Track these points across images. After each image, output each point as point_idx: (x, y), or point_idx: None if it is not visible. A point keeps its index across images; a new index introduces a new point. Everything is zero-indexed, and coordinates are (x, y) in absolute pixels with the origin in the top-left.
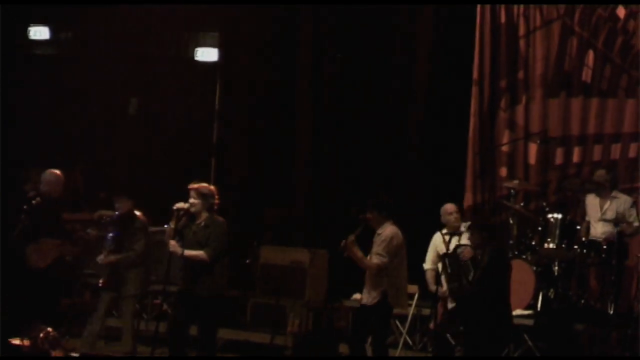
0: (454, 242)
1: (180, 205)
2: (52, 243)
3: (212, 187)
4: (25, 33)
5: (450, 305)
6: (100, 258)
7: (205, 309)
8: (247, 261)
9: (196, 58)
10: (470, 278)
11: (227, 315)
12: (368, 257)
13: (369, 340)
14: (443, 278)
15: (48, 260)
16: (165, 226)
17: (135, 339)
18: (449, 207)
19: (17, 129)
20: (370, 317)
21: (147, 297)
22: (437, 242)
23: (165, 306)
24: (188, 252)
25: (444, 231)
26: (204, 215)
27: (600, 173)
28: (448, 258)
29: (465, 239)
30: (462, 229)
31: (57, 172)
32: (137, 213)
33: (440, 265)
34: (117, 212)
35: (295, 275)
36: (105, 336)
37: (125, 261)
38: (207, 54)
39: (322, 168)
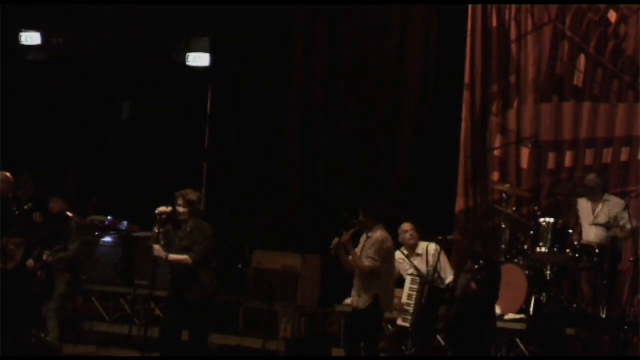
0: (418, 262)
1: (162, 209)
2: (15, 242)
3: (197, 193)
4: (17, 38)
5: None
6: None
7: (194, 313)
8: (240, 266)
9: (188, 63)
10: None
11: (219, 320)
12: None
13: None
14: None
15: (17, 261)
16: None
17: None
18: (405, 226)
19: (9, 134)
20: (362, 321)
21: (139, 302)
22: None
23: (157, 311)
24: (172, 257)
25: (404, 250)
26: (190, 221)
27: (591, 177)
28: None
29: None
30: (420, 251)
31: (5, 173)
32: (70, 214)
33: (409, 286)
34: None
35: (288, 281)
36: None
37: (63, 260)
38: (198, 59)
39: (314, 173)
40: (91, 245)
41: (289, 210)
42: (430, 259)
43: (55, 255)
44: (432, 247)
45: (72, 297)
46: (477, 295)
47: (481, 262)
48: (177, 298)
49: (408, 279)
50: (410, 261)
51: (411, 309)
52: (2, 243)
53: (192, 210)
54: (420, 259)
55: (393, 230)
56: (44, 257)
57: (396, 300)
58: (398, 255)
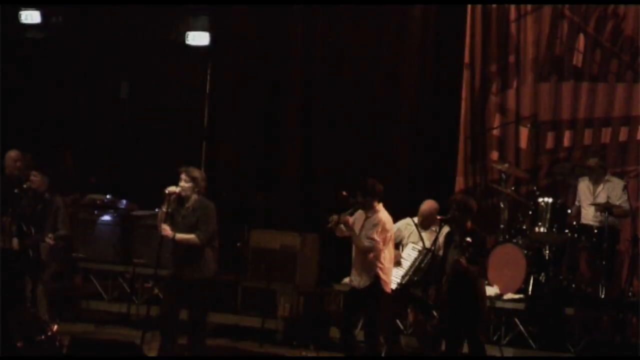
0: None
1: (171, 189)
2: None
3: (201, 171)
4: (16, 17)
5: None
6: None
7: (195, 293)
8: (238, 245)
9: (187, 42)
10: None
11: (217, 299)
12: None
13: (360, 324)
14: (408, 264)
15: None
16: (157, 210)
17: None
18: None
19: (9, 112)
20: (362, 301)
21: (138, 281)
22: (402, 225)
23: (156, 290)
24: (180, 236)
25: (415, 219)
26: (193, 198)
27: (594, 161)
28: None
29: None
30: (433, 228)
31: (11, 151)
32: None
33: (411, 253)
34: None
35: (286, 259)
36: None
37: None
38: (198, 38)
39: (313, 152)
40: (90, 224)
41: (288, 190)
42: (440, 239)
43: (58, 237)
44: (446, 228)
45: (64, 275)
46: (466, 271)
47: (470, 238)
48: (178, 277)
49: (409, 245)
50: (418, 230)
51: (406, 269)
52: (2, 221)
53: (196, 186)
54: (430, 234)
55: (394, 209)
56: (47, 240)
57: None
58: (407, 221)
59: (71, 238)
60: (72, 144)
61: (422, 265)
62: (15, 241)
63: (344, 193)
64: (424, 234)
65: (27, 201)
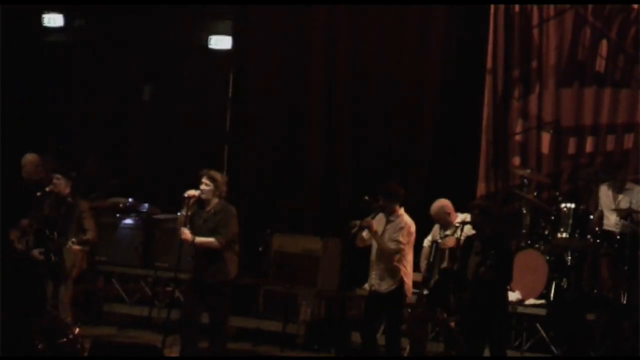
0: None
1: (191, 192)
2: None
3: (223, 174)
4: (39, 20)
5: (425, 291)
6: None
7: (215, 296)
8: (260, 249)
9: (210, 46)
10: (444, 265)
11: (239, 303)
12: None
13: (381, 328)
14: (424, 264)
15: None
16: (179, 213)
17: (72, 316)
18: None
19: (31, 116)
20: (384, 305)
21: (159, 284)
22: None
23: (177, 293)
24: (200, 240)
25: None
26: (214, 202)
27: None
28: (435, 245)
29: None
30: (456, 223)
31: (31, 155)
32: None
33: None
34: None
35: (308, 264)
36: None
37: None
38: (220, 42)
39: (335, 156)
40: (112, 227)
41: (310, 194)
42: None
43: (82, 242)
44: (468, 227)
45: (86, 278)
46: (488, 278)
47: (491, 245)
48: (198, 281)
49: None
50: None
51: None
52: (22, 225)
53: (216, 190)
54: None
55: (416, 214)
56: (70, 244)
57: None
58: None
59: (96, 242)
60: (95, 147)
61: (431, 259)
62: (36, 252)
63: (366, 197)
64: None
65: (49, 205)
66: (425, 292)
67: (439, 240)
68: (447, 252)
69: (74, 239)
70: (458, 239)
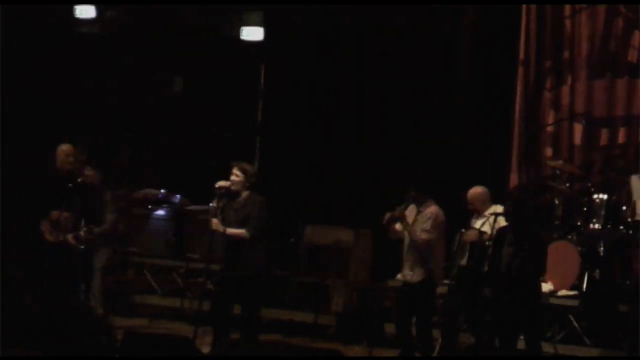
0: (478, 224)
1: (222, 183)
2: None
3: (254, 166)
4: (71, 11)
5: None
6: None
7: (246, 287)
8: (292, 241)
9: (241, 37)
10: (462, 262)
11: (271, 294)
12: None
13: (414, 319)
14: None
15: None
16: (210, 204)
17: (104, 307)
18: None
19: (63, 107)
20: (415, 295)
21: (191, 275)
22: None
23: (208, 285)
24: (230, 231)
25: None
26: (245, 193)
27: None
28: (459, 234)
29: (487, 225)
30: (487, 213)
31: (65, 145)
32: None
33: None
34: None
35: (339, 255)
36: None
37: (99, 235)
38: (252, 33)
39: (367, 148)
40: (144, 219)
41: (342, 185)
42: (490, 226)
43: (91, 231)
44: (499, 223)
45: (113, 269)
46: (522, 270)
47: (524, 236)
48: (229, 272)
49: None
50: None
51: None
52: (53, 216)
53: (247, 181)
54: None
55: (447, 205)
56: (81, 234)
57: None
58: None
59: (118, 233)
60: (127, 139)
61: (454, 248)
62: (70, 236)
63: (397, 188)
64: (477, 221)
65: (80, 196)
66: (448, 282)
67: (463, 230)
68: (467, 247)
69: (85, 228)
70: (480, 233)
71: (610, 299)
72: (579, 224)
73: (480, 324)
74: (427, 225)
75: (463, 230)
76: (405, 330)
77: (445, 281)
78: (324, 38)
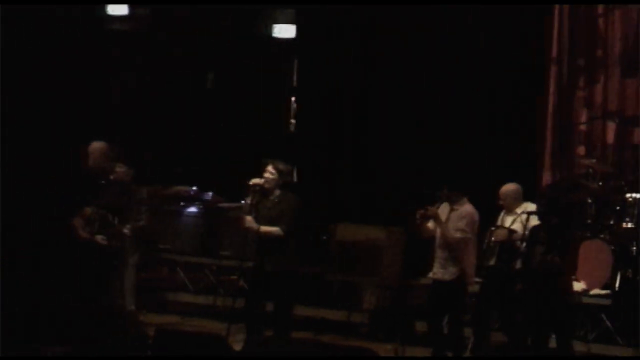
0: (509, 221)
1: (256, 181)
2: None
3: (287, 164)
4: (103, 8)
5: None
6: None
7: (279, 285)
8: (324, 238)
9: (273, 34)
10: (491, 262)
11: (303, 292)
12: None
13: (446, 317)
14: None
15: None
16: (243, 202)
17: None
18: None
19: (94, 104)
20: (447, 293)
21: (223, 273)
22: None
23: (241, 282)
24: (264, 228)
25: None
26: (278, 191)
27: None
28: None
29: (518, 222)
30: (518, 211)
31: (100, 142)
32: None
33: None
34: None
35: (371, 253)
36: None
37: (137, 231)
38: (284, 31)
39: (400, 145)
40: (175, 215)
41: (374, 183)
42: (522, 225)
43: (132, 228)
44: (532, 222)
45: (145, 267)
46: (553, 268)
47: (556, 235)
48: (262, 269)
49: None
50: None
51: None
52: (86, 213)
53: (280, 179)
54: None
55: (480, 203)
56: (124, 231)
57: None
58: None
59: (151, 230)
60: (157, 136)
61: (484, 246)
62: (99, 238)
63: (430, 187)
64: (507, 218)
65: (112, 193)
66: (478, 280)
67: (493, 229)
68: (497, 247)
69: (128, 226)
70: (510, 232)
71: None
72: (611, 222)
73: (513, 322)
74: (462, 224)
75: (493, 228)
76: (437, 328)
77: (477, 279)
78: (356, 34)
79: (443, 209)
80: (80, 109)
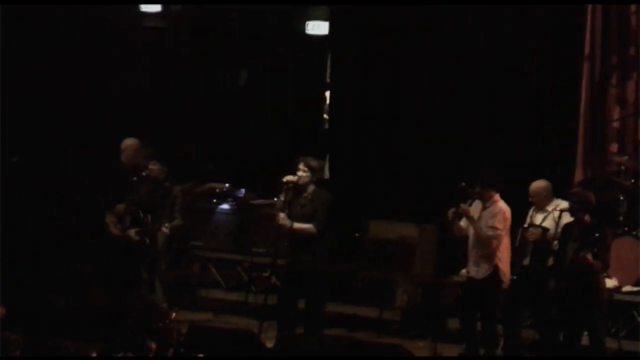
0: (539, 218)
1: (289, 178)
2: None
3: (320, 160)
4: (136, 5)
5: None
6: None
7: (310, 282)
8: (356, 235)
9: (307, 31)
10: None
11: (335, 289)
12: None
13: (478, 315)
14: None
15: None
16: (276, 199)
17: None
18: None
19: (126, 101)
20: (480, 291)
21: (255, 270)
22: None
23: (274, 279)
24: (297, 225)
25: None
26: (311, 188)
27: None
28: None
29: (549, 220)
30: (549, 208)
31: (132, 139)
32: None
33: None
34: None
35: (404, 250)
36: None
37: (176, 229)
38: (317, 28)
39: (433, 142)
40: (208, 212)
41: (407, 180)
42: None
43: (169, 226)
44: (564, 219)
45: (180, 263)
46: (587, 265)
47: (589, 232)
48: (294, 266)
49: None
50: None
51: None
52: (118, 209)
53: (313, 176)
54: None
55: (512, 201)
56: (163, 229)
57: None
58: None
59: (186, 228)
60: (189, 132)
61: (516, 244)
62: (132, 232)
63: (463, 184)
64: (537, 216)
65: (145, 190)
66: (511, 277)
67: (525, 227)
68: (530, 246)
69: (167, 224)
70: (544, 231)
71: None
72: None
73: (546, 320)
74: (495, 222)
75: (525, 226)
76: (469, 326)
77: (512, 277)
78: (388, 31)
79: (475, 207)
80: (113, 105)
